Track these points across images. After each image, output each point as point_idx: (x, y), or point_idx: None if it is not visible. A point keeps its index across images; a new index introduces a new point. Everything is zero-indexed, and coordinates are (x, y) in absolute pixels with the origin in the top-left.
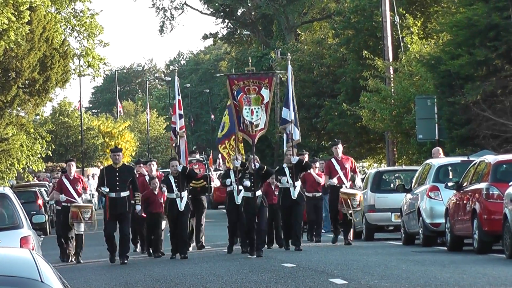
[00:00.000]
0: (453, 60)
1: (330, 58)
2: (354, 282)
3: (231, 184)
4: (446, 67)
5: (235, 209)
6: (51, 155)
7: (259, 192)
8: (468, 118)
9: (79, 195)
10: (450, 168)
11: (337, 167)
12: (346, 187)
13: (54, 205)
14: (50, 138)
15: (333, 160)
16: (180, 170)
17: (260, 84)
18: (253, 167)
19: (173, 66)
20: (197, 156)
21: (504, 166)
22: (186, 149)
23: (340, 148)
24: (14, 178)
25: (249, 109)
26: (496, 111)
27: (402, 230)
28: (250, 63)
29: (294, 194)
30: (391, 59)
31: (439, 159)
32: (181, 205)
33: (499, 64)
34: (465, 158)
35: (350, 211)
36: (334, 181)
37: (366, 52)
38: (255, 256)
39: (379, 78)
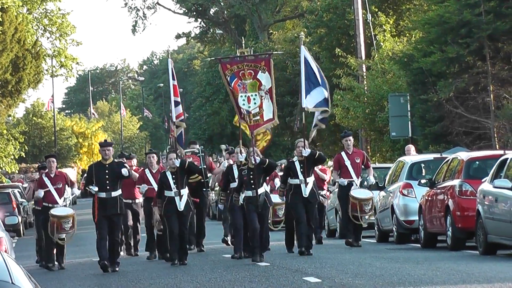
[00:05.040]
0: (425, 58)
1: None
2: (328, 280)
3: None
4: (419, 65)
5: (238, 208)
6: (25, 156)
7: (261, 190)
8: (441, 115)
9: (61, 195)
10: (423, 165)
11: (347, 162)
12: (356, 184)
13: (31, 205)
14: (23, 139)
15: (343, 153)
16: (178, 165)
17: (256, 68)
18: (253, 162)
19: (146, 65)
20: (196, 147)
21: (477, 162)
22: (183, 140)
23: (351, 140)
24: None
25: (245, 96)
26: (469, 108)
27: (376, 228)
28: (243, 45)
29: (306, 191)
30: (363, 57)
31: (412, 156)
32: (181, 205)
33: (471, 61)
34: (438, 155)
35: (361, 216)
36: (344, 182)
37: (339, 50)
38: (258, 262)
39: (352, 76)
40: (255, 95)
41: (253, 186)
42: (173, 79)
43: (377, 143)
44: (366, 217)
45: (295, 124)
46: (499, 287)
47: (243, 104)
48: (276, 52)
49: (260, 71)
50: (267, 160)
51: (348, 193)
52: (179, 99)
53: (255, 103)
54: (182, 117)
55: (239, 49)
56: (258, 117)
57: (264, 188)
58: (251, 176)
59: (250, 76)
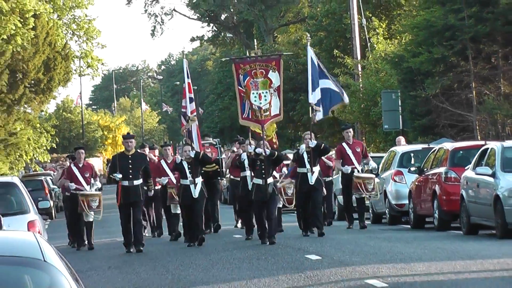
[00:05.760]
0: (414, 58)
1: (304, 57)
2: (327, 257)
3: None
4: (408, 64)
5: (247, 196)
6: (56, 147)
7: (270, 179)
8: (429, 110)
9: (88, 183)
10: (412, 154)
11: (349, 151)
12: (358, 171)
13: (60, 191)
14: (54, 132)
15: (344, 144)
16: (192, 156)
17: (267, 67)
18: (264, 153)
19: (164, 66)
20: (210, 140)
21: (461, 152)
22: (198, 133)
23: (351, 132)
24: (23, 168)
25: (256, 93)
26: (454, 103)
27: (370, 211)
28: (255, 46)
29: (312, 179)
30: (359, 58)
31: (402, 147)
32: (195, 192)
33: (455, 61)
34: (426, 146)
35: (364, 196)
36: (348, 169)
37: (336, 51)
38: (267, 243)
39: (349, 75)
40: (266, 92)
41: (263, 176)
42: (188, 77)
43: (371, 135)
44: (373, 193)
45: (312, 118)
46: (480, 263)
47: (255, 101)
48: (286, 53)
49: (271, 70)
50: (276, 152)
51: (351, 179)
52: (192, 96)
53: (265, 100)
54: (195, 113)
55: (251, 50)
56: (268, 113)
57: (272, 178)
58: (262, 166)
59: (261, 75)
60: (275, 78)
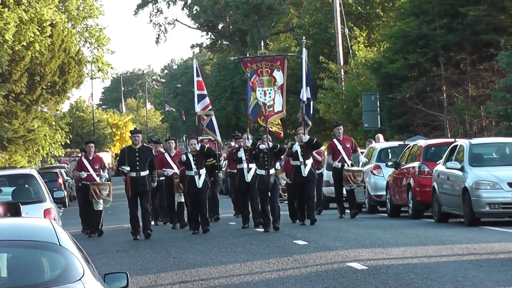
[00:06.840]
0: (391, 64)
1: (293, 62)
2: (313, 242)
3: (241, 160)
4: (386, 70)
5: (244, 187)
6: (69, 143)
7: (272, 170)
8: (404, 110)
9: (98, 174)
10: (389, 150)
11: (339, 147)
12: (348, 165)
13: (73, 182)
14: (68, 129)
15: (335, 140)
16: (198, 149)
17: (272, 67)
18: (267, 146)
19: (167, 70)
20: (209, 136)
21: (433, 148)
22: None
23: (341, 129)
24: (40, 161)
25: (262, 90)
26: (427, 105)
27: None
28: (262, 47)
29: (305, 171)
30: (342, 63)
31: (381, 143)
32: (199, 182)
33: (428, 67)
34: (401, 142)
35: (354, 187)
36: (338, 164)
37: (322, 57)
38: (271, 231)
39: (333, 79)
40: (271, 89)
41: (266, 167)
42: (198, 76)
43: (353, 133)
44: (361, 184)
45: (298, 116)
46: (450, 247)
47: (260, 97)
48: (290, 54)
49: (275, 69)
50: (278, 145)
51: (341, 173)
52: (205, 92)
53: (270, 96)
54: (210, 106)
55: (258, 51)
56: (272, 109)
57: (274, 170)
58: (265, 158)
59: (267, 74)
60: (279, 76)
